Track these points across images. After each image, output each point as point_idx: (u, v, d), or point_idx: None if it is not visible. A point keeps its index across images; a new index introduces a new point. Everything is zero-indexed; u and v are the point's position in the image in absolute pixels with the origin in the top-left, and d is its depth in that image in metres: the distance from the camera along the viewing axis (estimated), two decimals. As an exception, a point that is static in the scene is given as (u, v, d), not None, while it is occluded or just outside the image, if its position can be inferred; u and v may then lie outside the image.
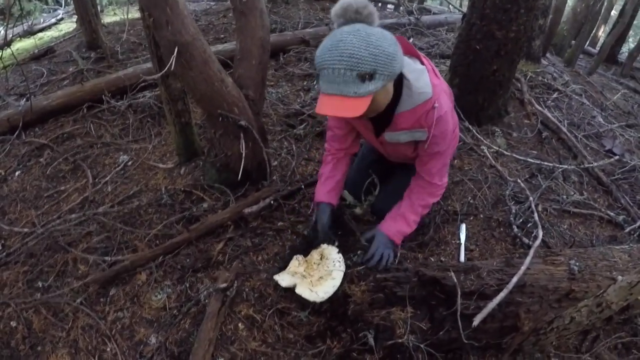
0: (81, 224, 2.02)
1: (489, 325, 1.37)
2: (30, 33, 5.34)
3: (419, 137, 1.45)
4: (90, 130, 2.76)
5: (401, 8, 6.16)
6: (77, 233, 1.97)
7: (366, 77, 1.12)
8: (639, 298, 1.11)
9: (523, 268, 1.43)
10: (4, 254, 1.93)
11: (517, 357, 1.44)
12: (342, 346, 1.42)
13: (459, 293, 1.36)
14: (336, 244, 1.64)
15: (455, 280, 1.39)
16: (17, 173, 2.51)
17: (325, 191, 1.69)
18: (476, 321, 1.31)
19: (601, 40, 8.24)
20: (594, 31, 7.93)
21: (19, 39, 5.17)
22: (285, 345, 1.45)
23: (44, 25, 5.71)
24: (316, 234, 1.66)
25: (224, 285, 1.55)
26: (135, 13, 5.02)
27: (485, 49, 2.42)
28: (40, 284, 1.79)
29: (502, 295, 1.35)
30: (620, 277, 1.20)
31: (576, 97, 3.45)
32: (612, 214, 2.19)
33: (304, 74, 3.36)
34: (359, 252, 1.67)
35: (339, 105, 1.15)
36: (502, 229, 1.98)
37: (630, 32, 8.21)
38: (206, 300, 1.58)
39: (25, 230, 2.03)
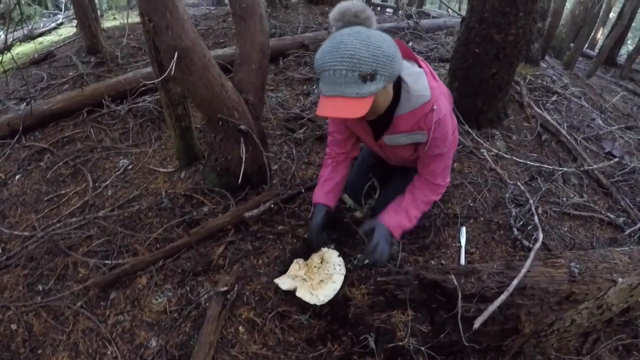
0: (81, 227, 2.02)
1: (490, 327, 1.37)
2: (30, 37, 5.37)
3: (418, 139, 1.45)
4: (90, 134, 2.76)
5: (400, 12, 6.19)
6: (77, 237, 1.97)
7: (367, 77, 1.12)
8: (640, 300, 1.11)
9: (523, 271, 1.43)
10: (5, 257, 1.93)
11: (518, 359, 1.43)
12: (342, 349, 1.42)
13: (460, 296, 1.36)
14: (328, 245, 1.64)
15: (456, 283, 1.39)
16: (17, 177, 2.51)
17: (323, 193, 1.69)
18: (477, 324, 1.31)
19: (600, 43, 8.27)
20: (592, 34, 7.98)
21: (19, 43, 5.20)
22: (286, 349, 1.45)
23: (44, 29, 5.74)
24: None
25: (225, 288, 1.55)
26: (135, 18, 5.03)
27: (485, 53, 2.43)
28: (40, 287, 1.79)
29: (502, 297, 1.35)
30: (620, 279, 1.20)
31: (575, 100, 3.46)
32: (612, 216, 2.19)
33: (304, 78, 3.37)
34: (358, 255, 1.67)
35: (341, 106, 1.15)
36: (502, 232, 1.98)
37: (629, 34, 8.24)
38: (207, 304, 1.58)
39: (26, 233, 2.04)
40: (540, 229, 1.82)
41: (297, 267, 1.61)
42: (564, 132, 2.83)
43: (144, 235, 1.92)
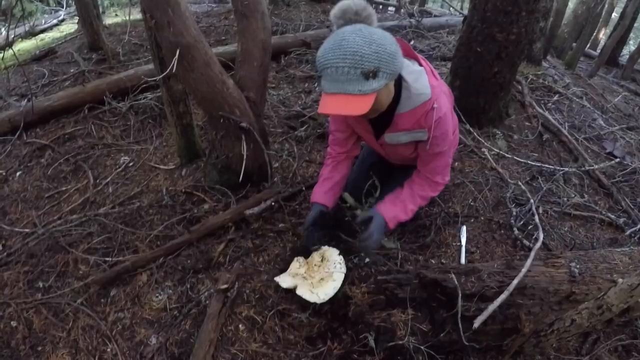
0: (82, 224, 2.02)
1: (490, 327, 1.37)
2: (31, 34, 5.36)
3: (419, 137, 1.45)
4: (91, 131, 2.76)
5: (402, 10, 6.18)
6: (78, 234, 1.97)
7: (370, 74, 1.12)
8: (640, 300, 1.11)
9: (524, 270, 1.43)
10: (5, 254, 1.93)
11: (518, 359, 1.43)
12: (342, 347, 1.42)
13: (460, 295, 1.36)
14: (321, 245, 1.64)
15: (456, 282, 1.39)
16: (18, 173, 2.51)
17: (321, 192, 1.68)
18: (477, 323, 1.31)
19: (602, 43, 8.25)
20: (594, 34, 7.94)
21: (20, 39, 5.19)
22: (285, 347, 1.45)
23: (46, 26, 5.73)
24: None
25: (225, 286, 1.55)
26: (136, 14, 5.04)
27: (486, 52, 2.42)
28: (40, 284, 1.79)
29: (502, 297, 1.35)
30: (620, 280, 1.20)
31: (577, 100, 3.45)
32: (612, 216, 2.19)
33: (305, 76, 3.37)
34: (360, 254, 1.67)
35: (343, 104, 1.15)
36: (502, 232, 1.98)
37: (631, 34, 8.24)
38: (207, 301, 1.58)
39: (26, 230, 2.04)
40: (540, 228, 1.82)
41: (297, 265, 1.61)
42: (565, 132, 2.83)
43: (144, 233, 1.92)
